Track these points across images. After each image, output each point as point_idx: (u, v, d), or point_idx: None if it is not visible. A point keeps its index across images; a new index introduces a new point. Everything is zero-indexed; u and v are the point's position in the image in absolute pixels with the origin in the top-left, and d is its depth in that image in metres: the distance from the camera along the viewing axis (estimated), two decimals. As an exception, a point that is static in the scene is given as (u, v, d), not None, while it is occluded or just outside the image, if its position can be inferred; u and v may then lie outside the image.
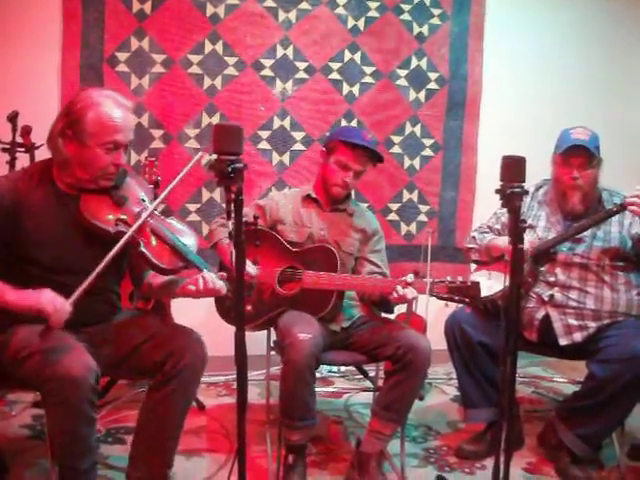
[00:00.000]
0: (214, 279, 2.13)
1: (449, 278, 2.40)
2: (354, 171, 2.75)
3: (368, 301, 2.83)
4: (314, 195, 2.85)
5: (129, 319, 2.36)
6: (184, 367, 2.13)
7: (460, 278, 2.41)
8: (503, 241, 2.77)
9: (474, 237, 3.02)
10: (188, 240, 2.21)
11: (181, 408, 2.21)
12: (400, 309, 3.24)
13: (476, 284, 2.38)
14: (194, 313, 3.15)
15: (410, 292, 2.45)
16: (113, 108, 2.08)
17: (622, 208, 2.58)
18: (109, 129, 2.07)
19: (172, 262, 2.14)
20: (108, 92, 2.15)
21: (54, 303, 1.92)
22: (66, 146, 2.09)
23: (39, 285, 1.97)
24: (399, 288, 2.46)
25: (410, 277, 2.46)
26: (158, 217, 2.19)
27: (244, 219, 2.67)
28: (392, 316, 3.00)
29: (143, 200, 2.23)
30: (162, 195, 2.16)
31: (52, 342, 1.98)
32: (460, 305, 2.54)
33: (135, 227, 2.06)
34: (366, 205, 3.12)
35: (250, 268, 2.55)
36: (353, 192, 3.02)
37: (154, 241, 2.13)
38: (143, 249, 2.10)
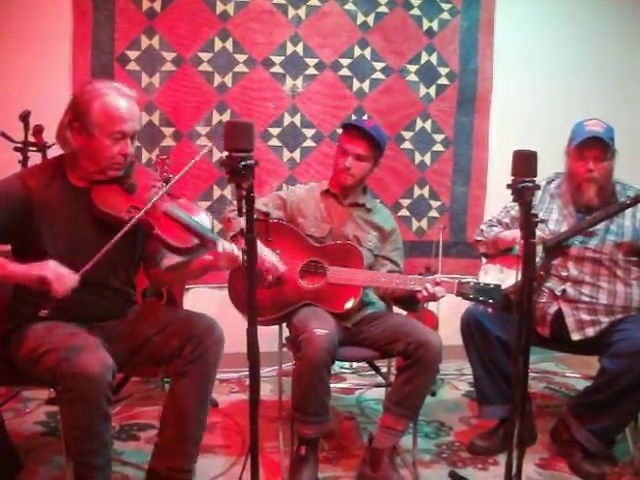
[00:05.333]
0: (233, 246, 2.13)
1: (475, 279, 2.44)
2: (353, 154, 2.73)
3: (390, 298, 2.83)
4: (332, 190, 2.86)
5: (140, 312, 2.38)
6: (204, 350, 2.17)
7: (484, 280, 2.47)
8: (510, 234, 2.77)
9: (482, 230, 3.03)
10: (201, 217, 2.21)
11: (203, 393, 2.24)
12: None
13: (498, 287, 2.42)
14: (205, 310, 3.15)
15: (440, 290, 2.47)
16: (118, 98, 2.11)
17: (636, 201, 2.57)
18: (115, 119, 2.09)
19: (187, 240, 2.15)
20: (112, 84, 2.18)
21: (55, 271, 1.93)
22: (74, 138, 2.12)
23: None
24: (429, 286, 2.47)
25: (439, 276, 2.50)
26: (169, 199, 2.21)
27: (264, 209, 2.72)
28: (403, 312, 2.99)
29: (153, 186, 2.24)
30: (177, 176, 2.16)
31: (69, 339, 2.00)
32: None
33: (149, 205, 2.08)
34: (378, 201, 3.12)
35: (279, 264, 2.56)
36: (369, 188, 3.01)
37: (168, 222, 2.15)
38: (158, 231, 2.12)
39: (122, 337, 2.24)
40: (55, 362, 1.94)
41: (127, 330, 2.27)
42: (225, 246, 2.12)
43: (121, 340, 2.23)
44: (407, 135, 3.96)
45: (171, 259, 2.31)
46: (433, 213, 4.08)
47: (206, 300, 3.49)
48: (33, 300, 2.10)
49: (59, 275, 1.93)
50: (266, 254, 2.56)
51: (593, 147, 2.69)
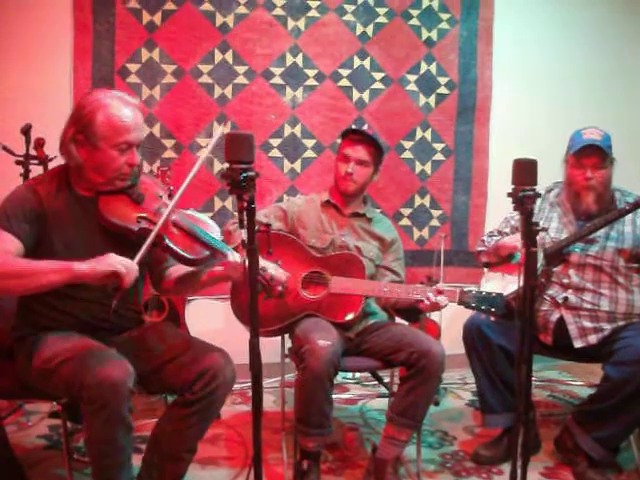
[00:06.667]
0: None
1: (476, 288, 2.43)
2: (355, 160, 2.74)
3: (392, 309, 2.83)
4: (333, 201, 2.86)
5: (151, 331, 2.32)
6: (214, 390, 2.11)
7: (486, 288, 2.47)
8: (510, 240, 2.77)
9: (483, 240, 3.04)
10: (210, 229, 2.19)
11: (203, 426, 2.20)
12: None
13: (500, 295, 2.42)
14: (208, 322, 3.16)
15: (443, 299, 2.46)
16: (122, 108, 2.06)
17: (636, 207, 2.57)
18: (120, 129, 2.04)
19: (198, 251, 2.12)
20: (114, 92, 2.14)
21: (124, 264, 1.90)
22: (79, 151, 2.06)
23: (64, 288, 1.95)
24: (431, 295, 2.46)
25: (441, 285, 2.50)
26: (178, 210, 2.18)
27: (265, 221, 2.69)
28: (406, 322, 2.99)
29: (160, 196, 2.21)
30: (184, 185, 2.08)
31: (85, 348, 1.98)
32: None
33: (163, 218, 2.03)
34: (379, 211, 3.12)
35: (282, 275, 2.47)
36: (369, 198, 3.01)
37: (178, 233, 2.12)
38: (168, 242, 2.08)
39: (132, 354, 2.15)
40: (75, 371, 1.90)
41: (137, 348, 2.21)
42: (236, 257, 2.10)
43: (131, 357, 2.11)
44: (407, 144, 3.97)
45: (178, 269, 2.28)
46: (434, 222, 4.08)
47: (208, 312, 3.49)
48: (40, 309, 2.11)
49: (129, 268, 1.90)
50: (269, 265, 2.54)
51: (591, 155, 2.70)
